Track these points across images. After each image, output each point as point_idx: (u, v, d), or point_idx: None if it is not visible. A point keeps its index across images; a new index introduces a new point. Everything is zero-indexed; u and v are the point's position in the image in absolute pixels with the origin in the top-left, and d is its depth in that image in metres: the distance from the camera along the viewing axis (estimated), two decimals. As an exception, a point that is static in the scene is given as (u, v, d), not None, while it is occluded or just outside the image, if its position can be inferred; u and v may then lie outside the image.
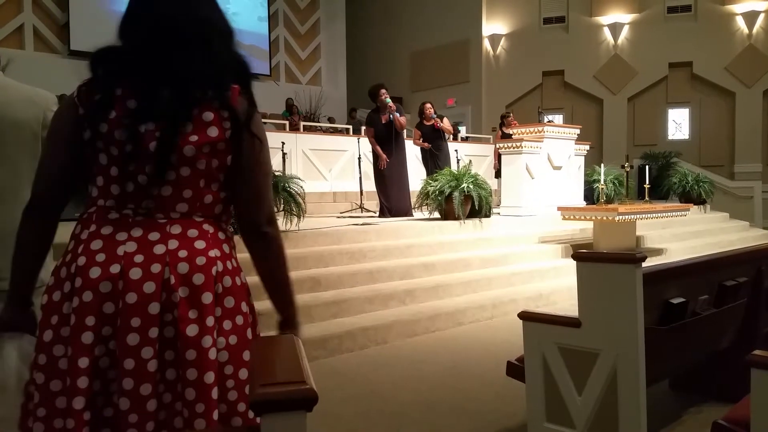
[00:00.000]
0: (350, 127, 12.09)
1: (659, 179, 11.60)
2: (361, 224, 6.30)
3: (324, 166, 9.73)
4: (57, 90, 2.19)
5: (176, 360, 1.28)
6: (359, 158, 8.92)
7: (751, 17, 13.42)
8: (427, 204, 6.97)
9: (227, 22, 1.43)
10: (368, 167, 9.08)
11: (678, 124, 14.40)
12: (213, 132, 1.31)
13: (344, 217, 7.69)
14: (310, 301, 4.54)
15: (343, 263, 5.34)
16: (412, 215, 7.56)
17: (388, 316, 4.71)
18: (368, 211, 8.21)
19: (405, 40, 16.42)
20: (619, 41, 14.35)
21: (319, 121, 13.69)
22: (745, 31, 13.50)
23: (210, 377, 1.27)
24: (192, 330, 1.27)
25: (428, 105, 8.34)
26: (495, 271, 6.10)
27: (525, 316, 2.57)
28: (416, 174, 8.59)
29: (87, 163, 1.34)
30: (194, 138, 1.30)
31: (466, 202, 6.80)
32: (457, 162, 8.60)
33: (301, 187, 5.40)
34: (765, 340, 3.09)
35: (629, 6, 14.25)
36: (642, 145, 14.10)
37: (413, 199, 7.47)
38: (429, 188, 6.89)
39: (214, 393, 1.28)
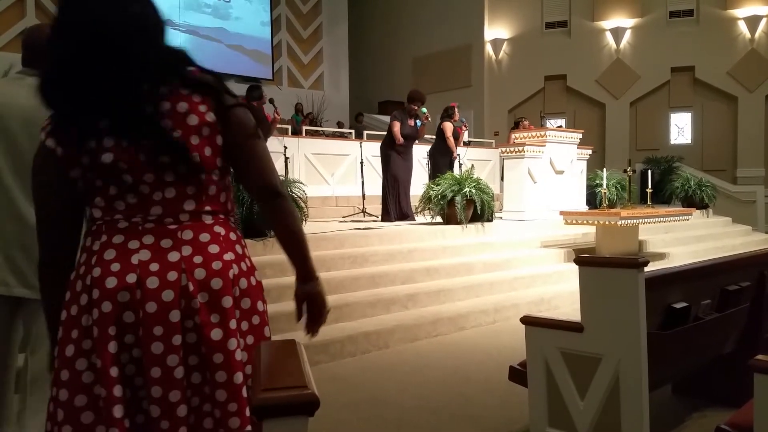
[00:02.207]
0: (353, 131, 12.10)
1: (662, 184, 11.59)
2: (364, 228, 6.30)
3: (326, 170, 9.74)
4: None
5: (201, 364, 1.29)
6: (361, 162, 8.93)
7: (753, 22, 13.43)
8: (429, 208, 6.97)
9: (159, 17, 1.36)
10: (371, 172, 9.09)
11: (680, 128, 14.40)
12: (193, 120, 1.30)
13: (346, 222, 7.69)
14: (312, 305, 4.54)
15: (345, 268, 5.34)
16: (414, 219, 7.57)
17: (390, 320, 4.71)
18: (371, 215, 8.22)
19: (407, 45, 16.46)
20: (622, 46, 14.36)
21: (321, 126, 13.72)
22: (748, 35, 13.51)
23: (239, 377, 1.29)
24: (216, 334, 1.28)
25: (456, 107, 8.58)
26: (497, 275, 6.10)
27: (527, 321, 2.56)
28: (418, 178, 8.60)
29: (83, 192, 1.32)
30: (177, 133, 1.28)
31: (469, 207, 6.80)
32: (459, 166, 8.61)
33: (303, 191, 5.40)
34: (768, 345, 3.08)
35: (631, 10, 14.27)
36: (644, 149, 14.10)
37: (415, 203, 7.50)
38: (431, 192, 6.89)
39: (245, 391, 1.30)
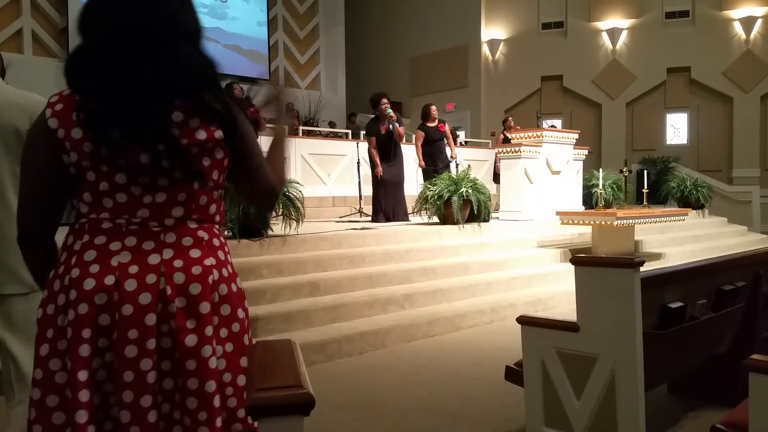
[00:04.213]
0: (349, 131, 12.10)
1: (658, 184, 11.62)
2: (360, 228, 6.30)
3: (323, 170, 9.74)
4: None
5: (174, 370, 1.27)
6: (358, 162, 8.92)
7: (748, 23, 13.47)
8: (426, 208, 6.97)
9: (196, 19, 1.37)
10: (367, 171, 9.09)
11: (676, 128, 14.43)
12: (201, 135, 1.29)
13: (343, 222, 7.69)
14: (309, 305, 4.53)
15: (342, 268, 5.33)
16: (406, 220, 7.55)
17: (387, 320, 4.71)
18: (367, 215, 8.21)
19: (404, 45, 16.46)
20: (618, 46, 14.39)
21: (318, 126, 13.70)
22: (743, 36, 13.54)
23: (211, 386, 1.27)
24: (191, 340, 1.26)
25: (433, 107, 8.45)
26: (494, 275, 6.10)
27: (524, 321, 2.57)
28: (415, 180, 8.59)
29: (71, 182, 1.30)
30: (184, 141, 1.28)
31: (465, 207, 6.80)
32: (456, 167, 8.61)
33: (300, 191, 5.40)
34: (763, 345, 3.09)
35: (627, 11, 14.30)
36: (640, 149, 14.13)
37: (412, 204, 7.48)
38: (428, 193, 6.89)
39: (216, 401, 1.28)
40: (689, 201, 10.78)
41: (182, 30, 1.32)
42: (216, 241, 1.37)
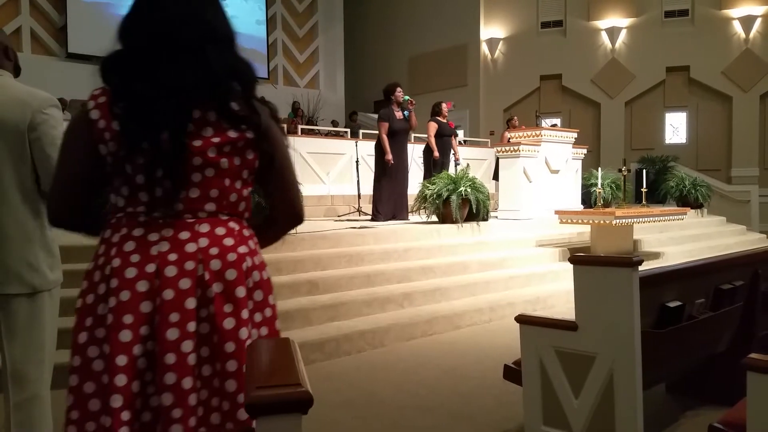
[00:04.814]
0: (348, 130, 12.09)
1: (656, 183, 11.61)
2: (359, 227, 6.30)
3: (322, 169, 9.73)
4: (53, 92, 2.21)
5: (212, 355, 1.31)
6: (357, 161, 8.93)
7: (747, 22, 13.47)
8: (424, 207, 6.97)
9: (229, 25, 1.45)
10: (366, 171, 9.09)
11: (675, 128, 14.43)
12: (233, 133, 1.35)
13: (342, 221, 7.69)
14: (308, 304, 4.54)
15: (341, 266, 5.33)
16: (407, 218, 7.54)
17: (385, 319, 4.71)
18: (366, 214, 8.21)
19: (403, 44, 16.46)
20: (617, 45, 14.39)
21: (317, 125, 13.69)
22: (742, 35, 13.55)
23: None
24: (229, 323, 1.31)
25: (444, 104, 8.52)
26: (493, 274, 6.10)
27: (522, 320, 2.57)
28: (414, 177, 8.59)
29: (108, 174, 1.35)
30: (216, 139, 1.34)
31: (464, 206, 6.80)
32: (455, 165, 8.61)
33: (299, 190, 5.39)
34: (761, 344, 3.09)
35: (627, 10, 14.30)
36: (639, 149, 14.14)
37: (410, 202, 7.47)
38: (427, 192, 6.88)
39: None
40: (688, 200, 10.78)
41: (214, 37, 1.39)
42: (246, 232, 1.44)
